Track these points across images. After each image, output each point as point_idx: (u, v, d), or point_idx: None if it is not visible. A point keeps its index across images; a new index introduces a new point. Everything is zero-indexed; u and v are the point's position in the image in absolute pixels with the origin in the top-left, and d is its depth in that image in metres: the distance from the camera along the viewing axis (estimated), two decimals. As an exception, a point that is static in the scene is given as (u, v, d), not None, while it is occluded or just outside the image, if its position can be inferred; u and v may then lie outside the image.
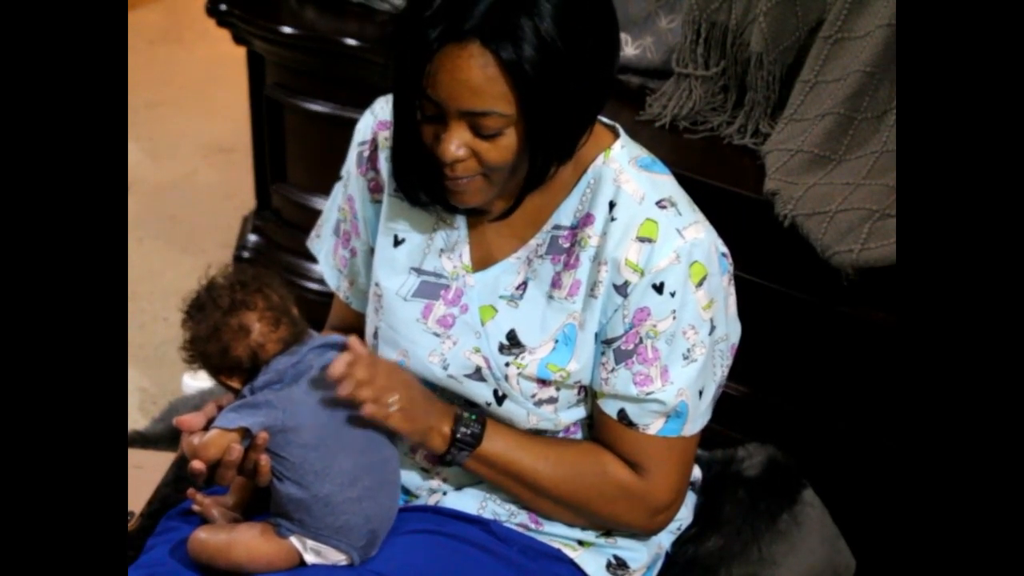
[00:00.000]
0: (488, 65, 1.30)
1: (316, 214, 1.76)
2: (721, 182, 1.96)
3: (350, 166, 1.61)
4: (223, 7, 2.60)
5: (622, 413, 1.47)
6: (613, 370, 1.46)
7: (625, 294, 1.44)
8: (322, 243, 1.69)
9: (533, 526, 1.54)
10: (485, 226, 1.52)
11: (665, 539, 1.63)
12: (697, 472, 1.72)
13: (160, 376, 2.76)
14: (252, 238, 2.87)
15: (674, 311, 1.43)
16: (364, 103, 1.65)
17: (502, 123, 1.34)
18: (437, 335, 1.51)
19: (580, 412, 1.53)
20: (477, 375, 1.49)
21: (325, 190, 1.77)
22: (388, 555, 1.46)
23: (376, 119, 1.58)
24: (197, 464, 1.40)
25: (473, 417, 1.48)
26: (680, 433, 1.48)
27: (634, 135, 1.53)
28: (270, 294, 1.45)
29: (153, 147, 3.77)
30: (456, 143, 1.36)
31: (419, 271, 1.53)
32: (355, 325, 1.65)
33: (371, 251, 1.60)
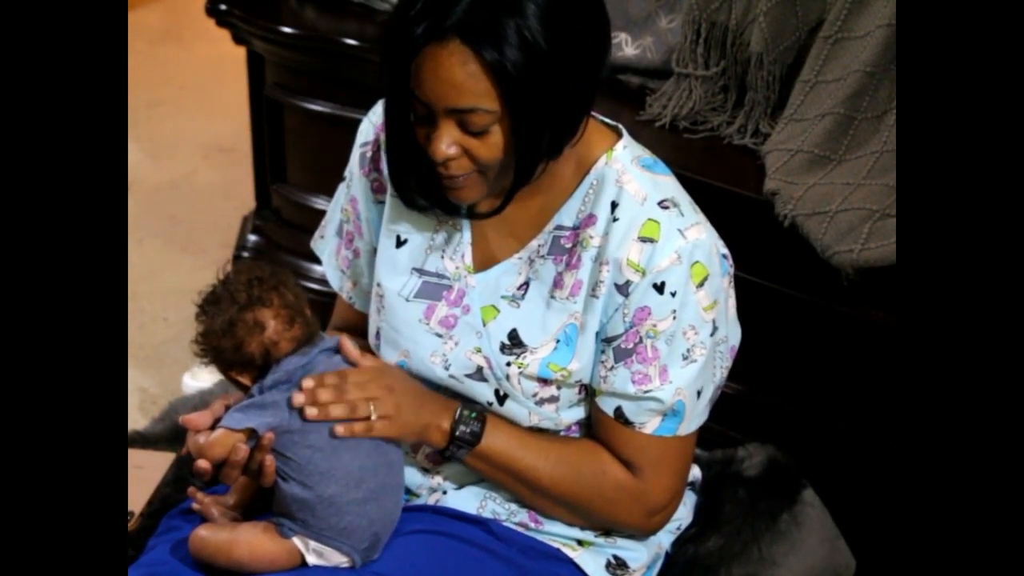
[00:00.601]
0: (469, 62, 1.30)
1: (316, 214, 1.76)
2: (721, 182, 1.96)
3: (353, 167, 1.61)
4: (223, 7, 2.59)
5: (619, 411, 1.47)
6: (612, 368, 1.46)
7: (626, 293, 1.44)
8: (326, 244, 1.68)
9: (533, 525, 1.55)
10: (487, 227, 1.52)
11: (665, 539, 1.63)
12: (697, 472, 1.71)
13: (160, 376, 2.75)
14: (252, 238, 2.87)
15: (674, 311, 1.43)
16: (364, 103, 1.65)
17: (488, 119, 1.34)
18: (439, 336, 1.51)
19: (581, 411, 1.53)
20: (478, 375, 1.49)
21: (325, 190, 1.77)
22: (388, 555, 1.46)
23: (379, 120, 1.58)
24: (202, 463, 1.40)
25: (473, 415, 1.48)
26: (676, 433, 1.48)
27: (634, 135, 1.53)
28: (286, 292, 1.45)
29: (153, 147, 3.77)
30: (447, 142, 1.36)
31: (421, 272, 1.53)
32: (359, 326, 1.65)
33: (374, 251, 1.60)
